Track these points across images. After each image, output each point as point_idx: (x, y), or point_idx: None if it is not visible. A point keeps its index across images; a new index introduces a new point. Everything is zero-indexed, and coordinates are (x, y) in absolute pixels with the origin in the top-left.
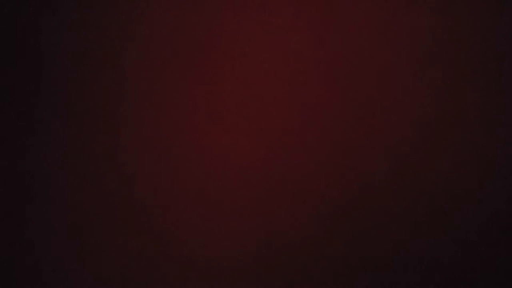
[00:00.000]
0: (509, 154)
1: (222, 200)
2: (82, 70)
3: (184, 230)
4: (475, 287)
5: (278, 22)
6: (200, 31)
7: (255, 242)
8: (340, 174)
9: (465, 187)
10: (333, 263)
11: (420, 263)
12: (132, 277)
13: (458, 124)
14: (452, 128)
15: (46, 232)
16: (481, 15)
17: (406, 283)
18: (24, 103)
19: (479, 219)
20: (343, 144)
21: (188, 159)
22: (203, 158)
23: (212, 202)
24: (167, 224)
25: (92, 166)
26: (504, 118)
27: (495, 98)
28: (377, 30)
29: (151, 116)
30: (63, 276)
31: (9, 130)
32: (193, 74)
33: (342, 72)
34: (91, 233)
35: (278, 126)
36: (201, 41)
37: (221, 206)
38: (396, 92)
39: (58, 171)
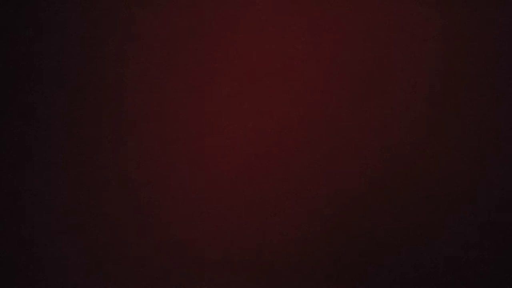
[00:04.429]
0: (510, 154)
1: (221, 199)
2: (81, 69)
3: (183, 229)
4: (474, 287)
5: (278, 21)
6: (199, 30)
7: (255, 241)
8: (340, 174)
9: (465, 187)
10: (332, 263)
11: (420, 263)
12: (132, 277)
13: (459, 124)
14: (453, 128)
15: (46, 232)
16: (482, 13)
17: (406, 283)
18: (24, 104)
19: (479, 219)
20: (342, 144)
21: (187, 158)
22: (202, 157)
23: (211, 202)
24: (166, 223)
25: (91, 166)
26: (505, 118)
27: (496, 98)
28: (377, 30)
29: (150, 117)
30: (62, 276)
31: (9, 131)
32: (193, 73)
33: (341, 72)
34: (90, 233)
35: (277, 126)
36: (201, 40)
37: (220, 206)
38: (396, 91)
39: (58, 171)
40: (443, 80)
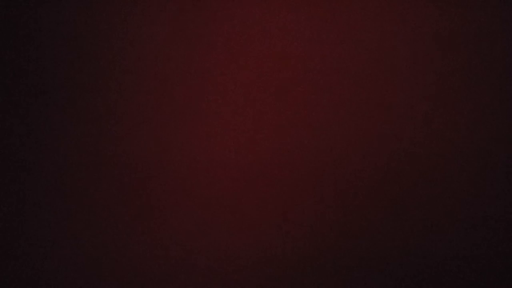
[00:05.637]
0: (509, 154)
1: (222, 200)
2: (81, 70)
3: (183, 230)
4: (474, 287)
5: (279, 22)
6: (199, 30)
7: (255, 241)
8: (339, 173)
9: (464, 188)
10: (333, 262)
11: (419, 263)
12: (133, 278)
13: (459, 124)
14: (452, 128)
15: (45, 232)
16: (482, 13)
17: (407, 283)
18: (24, 104)
19: (479, 219)
20: (343, 144)
21: (187, 158)
22: (203, 158)
23: (210, 203)
24: (167, 224)
25: (92, 167)
26: (505, 118)
27: (496, 98)
28: (377, 30)
29: (151, 117)
30: (63, 276)
31: (9, 131)
32: (193, 73)
33: (341, 72)
34: (91, 234)
35: (277, 127)
36: (201, 40)
37: (221, 207)
38: (396, 91)
39: (58, 172)
40: (443, 80)
